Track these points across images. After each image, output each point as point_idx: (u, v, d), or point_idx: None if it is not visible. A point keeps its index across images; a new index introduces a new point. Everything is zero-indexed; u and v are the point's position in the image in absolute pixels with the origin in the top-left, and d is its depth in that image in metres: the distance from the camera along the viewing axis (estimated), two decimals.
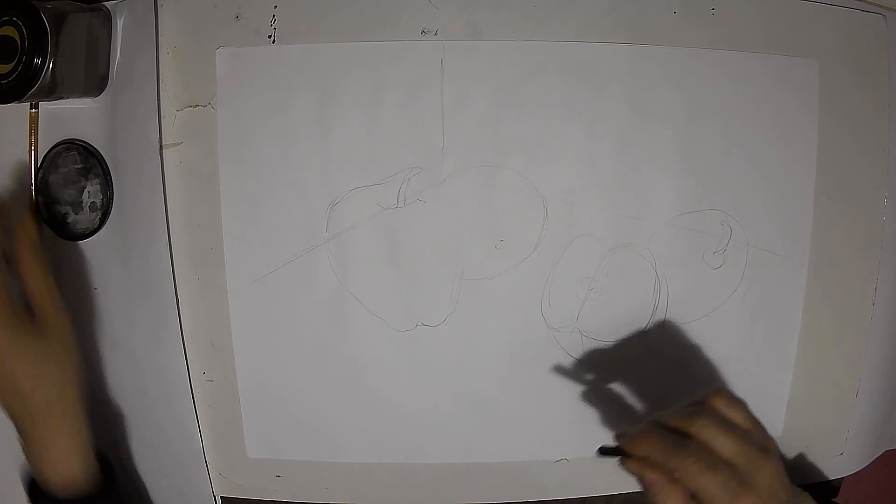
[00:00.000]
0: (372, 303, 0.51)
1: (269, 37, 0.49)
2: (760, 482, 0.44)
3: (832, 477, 0.55)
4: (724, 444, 0.44)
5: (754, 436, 0.46)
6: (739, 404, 0.47)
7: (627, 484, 0.54)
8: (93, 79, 0.50)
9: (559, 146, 0.50)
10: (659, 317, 0.52)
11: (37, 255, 0.47)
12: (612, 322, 0.51)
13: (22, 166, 0.52)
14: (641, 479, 0.45)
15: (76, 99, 0.51)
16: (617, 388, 0.52)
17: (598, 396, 0.52)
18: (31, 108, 0.51)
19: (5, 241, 0.47)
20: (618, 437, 0.47)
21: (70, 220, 0.53)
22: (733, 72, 0.50)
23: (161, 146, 0.50)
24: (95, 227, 0.52)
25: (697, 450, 0.44)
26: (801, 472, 0.55)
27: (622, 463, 0.46)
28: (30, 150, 0.52)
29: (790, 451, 0.54)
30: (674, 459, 0.44)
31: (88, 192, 0.52)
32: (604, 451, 0.47)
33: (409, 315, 0.51)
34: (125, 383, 0.54)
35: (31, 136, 0.52)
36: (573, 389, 0.52)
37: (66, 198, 0.53)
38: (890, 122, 0.52)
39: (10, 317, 0.45)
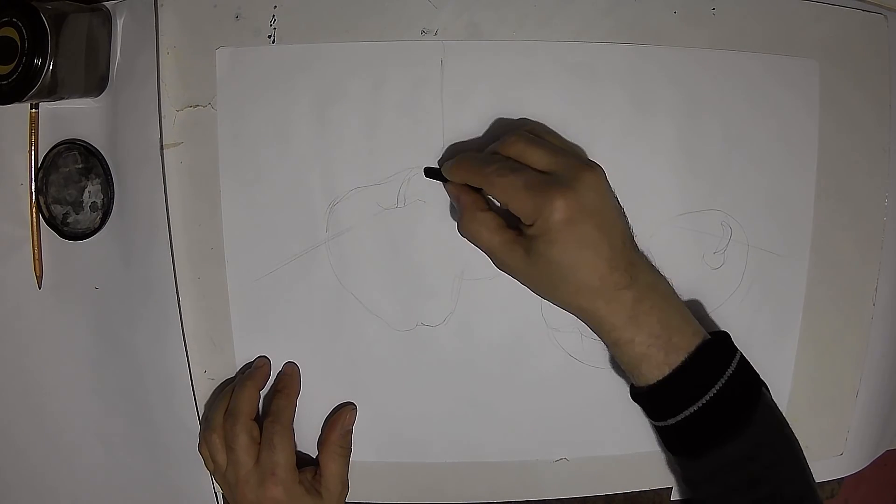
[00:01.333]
0: (372, 303, 0.51)
1: (269, 37, 0.49)
2: (580, 188, 0.40)
3: (832, 477, 0.55)
4: (535, 155, 0.42)
5: (575, 152, 0.44)
6: (552, 130, 0.46)
7: (627, 484, 0.54)
8: (93, 79, 0.50)
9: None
10: None
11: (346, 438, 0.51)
12: None
13: (22, 166, 0.52)
14: (456, 203, 0.44)
15: (76, 99, 0.51)
16: (617, 387, 0.52)
17: (598, 396, 0.52)
18: (31, 109, 0.51)
19: (286, 408, 0.50)
20: (439, 162, 0.46)
21: (71, 220, 0.53)
22: (733, 72, 0.50)
23: (161, 146, 0.50)
24: (96, 226, 0.52)
25: (502, 160, 0.42)
26: None
27: (445, 187, 0.45)
28: (30, 150, 0.52)
29: None
30: (478, 172, 0.42)
31: (89, 192, 0.52)
32: (428, 173, 0.47)
33: (409, 315, 0.51)
34: (126, 382, 0.54)
35: (31, 136, 0.52)
36: (573, 389, 0.52)
37: (67, 198, 0.53)
38: (890, 122, 0.52)
39: (298, 485, 0.48)
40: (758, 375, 0.46)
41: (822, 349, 0.53)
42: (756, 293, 0.52)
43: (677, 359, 0.42)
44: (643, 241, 0.51)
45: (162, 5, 0.49)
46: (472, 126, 0.50)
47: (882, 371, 0.55)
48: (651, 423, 0.46)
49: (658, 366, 0.42)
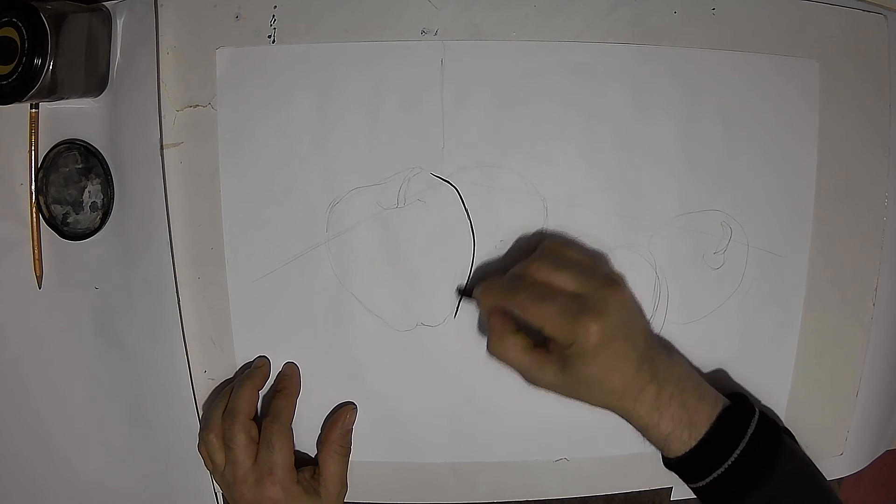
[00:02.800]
0: (372, 302, 0.51)
1: (269, 37, 0.49)
2: (607, 309, 0.43)
3: (832, 477, 0.55)
4: (562, 279, 0.44)
5: (598, 269, 0.46)
6: (574, 243, 0.48)
7: (627, 484, 0.54)
8: (93, 79, 0.50)
9: (559, 146, 0.50)
10: (659, 317, 0.52)
11: (346, 437, 0.52)
12: None
13: (22, 166, 0.52)
14: (487, 323, 0.46)
15: (76, 99, 0.51)
16: None
17: None
18: (31, 109, 0.51)
19: (285, 408, 0.51)
20: (469, 284, 0.49)
21: (71, 219, 0.53)
22: (734, 72, 0.50)
23: (161, 146, 0.50)
24: (96, 226, 0.52)
25: (532, 285, 0.45)
26: None
27: (478, 307, 0.48)
28: (30, 150, 0.52)
29: None
30: (510, 299, 0.45)
31: (89, 191, 0.52)
32: (461, 292, 0.49)
33: (409, 315, 0.51)
34: (126, 382, 0.54)
35: (31, 136, 0.52)
36: None
37: (67, 198, 0.53)
38: (891, 122, 0.52)
39: (296, 485, 0.49)
40: (778, 426, 0.48)
41: (822, 349, 0.53)
42: (756, 293, 0.52)
43: (699, 433, 0.45)
44: (643, 241, 0.51)
45: (162, 5, 0.49)
46: (472, 126, 0.50)
47: (882, 371, 0.55)
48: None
49: (683, 442, 0.45)
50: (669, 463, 0.47)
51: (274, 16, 0.49)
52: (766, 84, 0.51)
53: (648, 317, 0.52)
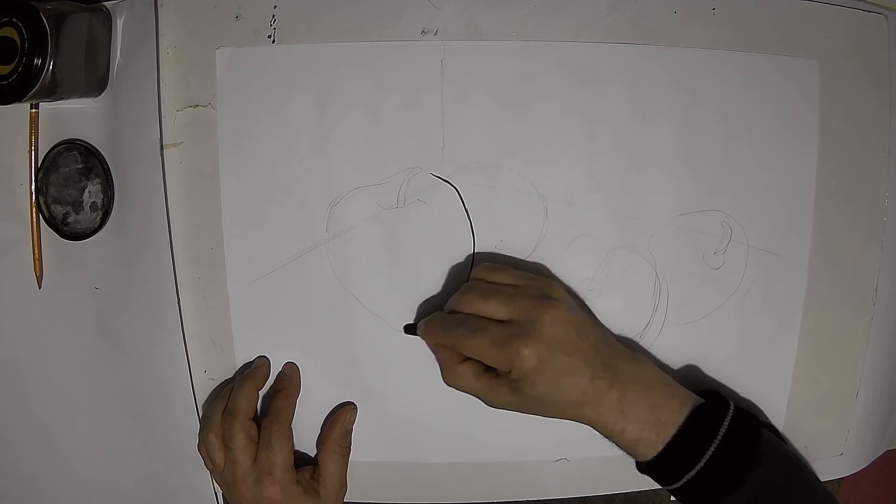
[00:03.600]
0: (371, 302, 0.51)
1: (269, 37, 0.49)
2: (539, 330, 0.43)
3: (832, 477, 0.55)
4: (491, 308, 0.45)
5: (529, 290, 0.46)
6: (504, 265, 0.48)
7: (627, 484, 0.54)
8: (93, 79, 0.50)
9: (559, 146, 0.50)
10: (659, 317, 0.52)
11: (345, 437, 0.52)
12: (612, 322, 0.51)
13: (22, 166, 0.52)
14: (436, 357, 0.47)
15: (76, 99, 0.51)
16: None
17: None
18: (31, 109, 0.51)
19: (285, 408, 0.51)
20: (415, 320, 0.50)
21: (71, 220, 0.53)
22: (734, 72, 0.50)
23: (161, 146, 0.50)
24: (96, 226, 0.52)
25: (464, 319, 0.45)
26: None
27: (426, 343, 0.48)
28: (30, 150, 0.52)
29: None
30: (447, 337, 0.46)
31: (89, 191, 0.52)
32: (408, 331, 0.50)
33: (409, 315, 0.51)
34: (126, 382, 0.54)
35: (31, 136, 0.52)
36: None
37: (67, 198, 0.53)
38: (891, 122, 0.52)
39: (295, 485, 0.49)
40: (756, 422, 0.47)
41: (822, 349, 0.53)
42: (756, 293, 0.52)
43: (668, 434, 0.45)
44: (643, 241, 0.51)
45: (162, 5, 0.49)
46: (472, 126, 0.50)
47: (882, 371, 0.55)
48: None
49: (652, 444, 0.45)
50: (641, 467, 0.47)
51: (274, 16, 0.49)
52: (766, 84, 0.51)
53: (648, 316, 0.52)
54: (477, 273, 0.48)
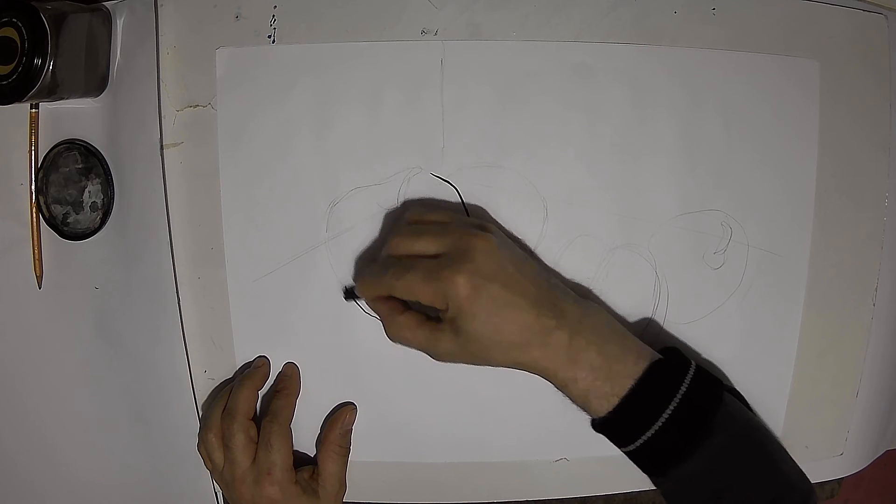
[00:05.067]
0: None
1: (269, 37, 0.49)
2: (471, 257, 0.41)
3: (832, 477, 0.55)
4: (421, 245, 0.43)
5: (459, 223, 0.45)
6: (434, 206, 0.47)
7: (627, 484, 0.54)
8: (93, 79, 0.50)
9: (559, 146, 0.50)
10: (659, 317, 0.52)
11: (344, 438, 0.51)
12: None
13: (22, 166, 0.52)
14: (377, 315, 0.46)
15: (76, 99, 0.51)
16: None
17: None
18: (31, 109, 0.51)
19: (285, 408, 0.51)
20: (354, 279, 0.48)
21: (71, 220, 0.53)
22: (734, 72, 0.50)
23: (161, 146, 0.50)
24: (96, 226, 0.52)
25: (395, 261, 0.43)
26: None
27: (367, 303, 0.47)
28: (30, 150, 0.52)
29: (790, 451, 0.54)
30: (381, 286, 0.44)
31: (89, 191, 0.52)
32: (347, 296, 0.49)
33: None
34: (126, 382, 0.54)
35: (31, 136, 0.52)
36: None
37: (67, 198, 0.53)
38: (891, 122, 0.52)
39: (294, 485, 0.49)
40: (718, 383, 0.45)
41: (822, 349, 0.53)
42: (756, 293, 0.52)
43: (623, 387, 0.42)
44: (643, 241, 0.51)
45: (162, 5, 0.49)
46: (472, 126, 0.50)
47: (882, 371, 0.55)
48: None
49: (606, 397, 0.43)
50: (595, 425, 0.45)
51: (274, 16, 0.49)
52: (766, 84, 0.51)
53: (648, 316, 0.52)
54: (406, 216, 0.47)
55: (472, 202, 0.50)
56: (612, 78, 0.50)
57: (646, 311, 0.52)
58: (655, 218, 0.51)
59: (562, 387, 0.44)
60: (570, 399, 0.44)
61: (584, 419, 0.46)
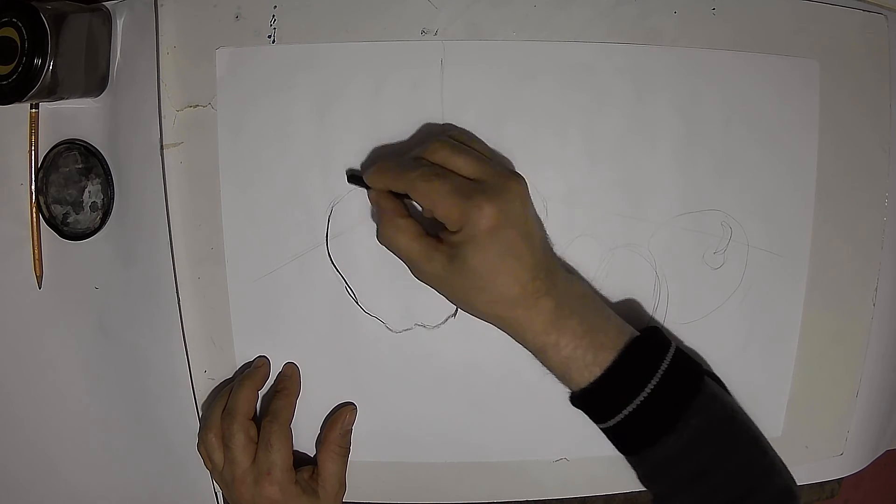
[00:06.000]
0: (371, 303, 0.51)
1: (269, 37, 0.49)
2: (506, 196, 0.40)
3: (832, 477, 0.55)
4: (460, 161, 0.41)
5: (497, 161, 0.43)
6: (477, 137, 0.45)
7: (627, 484, 0.54)
8: (93, 79, 0.50)
9: (559, 146, 0.50)
10: (659, 317, 0.52)
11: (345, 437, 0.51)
12: None
13: (22, 166, 0.52)
14: (376, 209, 0.44)
15: (76, 99, 0.51)
16: None
17: None
18: (31, 109, 0.51)
19: (285, 408, 0.50)
20: (362, 166, 0.45)
21: (71, 219, 0.53)
22: (734, 72, 0.50)
23: (161, 146, 0.50)
24: (96, 226, 0.52)
25: (427, 165, 0.41)
26: (801, 472, 0.55)
27: (367, 194, 0.44)
28: (30, 150, 0.52)
29: (790, 451, 0.54)
30: (400, 177, 0.42)
31: (89, 191, 0.52)
32: (351, 179, 0.47)
33: (407, 316, 0.51)
34: (126, 382, 0.54)
35: (31, 136, 0.52)
36: None
37: (67, 198, 0.53)
38: (891, 122, 0.52)
39: (294, 485, 0.49)
40: (697, 366, 0.45)
41: (822, 349, 0.53)
42: (756, 293, 0.52)
43: (606, 358, 0.42)
44: (643, 241, 0.51)
45: (162, 5, 0.49)
46: (472, 126, 0.50)
47: (882, 371, 0.55)
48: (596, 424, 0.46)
49: (587, 367, 0.42)
50: (573, 397, 0.44)
51: (274, 16, 0.49)
52: (766, 84, 0.51)
53: (648, 316, 0.52)
54: (453, 132, 0.45)
55: None
56: (612, 78, 0.50)
57: (646, 311, 0.52)
58: (655, 218, 0.51)
59: (539, 351, 0.43)
60: (549, 368, 0.43)
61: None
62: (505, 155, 0.50)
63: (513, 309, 0.42)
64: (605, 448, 0.46)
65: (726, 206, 0.51)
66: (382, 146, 0.49)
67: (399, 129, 0.50)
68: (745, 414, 0.47)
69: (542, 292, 0.42)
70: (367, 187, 0.46)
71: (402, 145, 0.50)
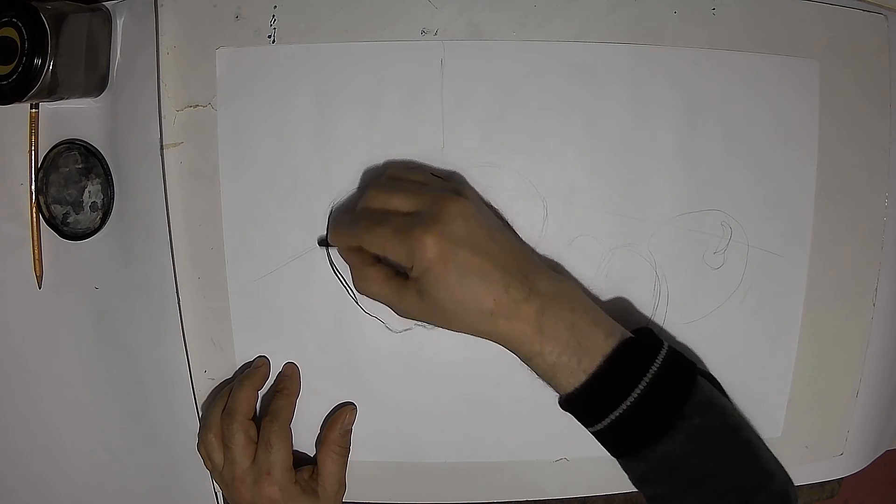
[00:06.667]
0: (371, 303, 0.51)
1: (269, 37, 0.49)
2: (443, 219, 0.40)
3: (832, 477, 0.55)
4: (397, 201, 0.42)
5: (438, 186, 0.44)
6: (418, 166, 0.46)
7: (627, 484, 0.54)
8: (93, 79, 0.50)
9: (559, 146, 0.50)
10: (659, 317, 0.52)
11: (344, 437, 0.51)
12: None
13: (22, 166, 0.52)
14: (348, 265, 0.45)
15: (76, 99, 0.51)
16: None
17: None
18: (31, 109, 0.51)
19: (284, 408, 0.50)
20: (327, 228, 0.47)
21: (71, 220, 0.53)
22: (733, 72, 0.50)
23: (161, 146, 0.50)
24: (96, 226, 0.52)
25: (368, 214, 0.43)
26: (801, 473, 0.55)
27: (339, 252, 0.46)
28: (30, 150, 0.52)
29: (790, 451, 0.54)
30: (352, 234, 0.43)
31: (89, 191, 0.52)
32: (322, 244, 0.49)
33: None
34: (126, 382, 0.54)
35: (31, 136, 0.52)
36: None
37: (67, 198, 0.53)
38: (891, 122, 0.52)
39: (293, 485, 0.49)
40: (691, 368, 0.44)
41: (822, 349, 0.53)
42: (756, 293, 0.52)
43: (592, 363, 0.42)
44: (643, 241, 0.51)
45: (162, 5, 0.49)
46: (472, 126, 0.50)
47: (882, 371, 0.55)
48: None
49: (573, 373, 0.42)
50: (562, 402, 0.44)
51: (274, 16, 0.49)
52: (766, 84, 0.51)
53: (649, 315, 0.52)
54: (388, 172, 0.47)
55: None
56: (612, 78, 0.50)
57: (646, 311, 0.52)
58: (655, 218, 0.51)
59: (527, 360, 0.43)
60: (538, 374, 0.43)
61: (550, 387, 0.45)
62: (504, 154, 0.50)
63: (494, 322, 0.42)
64: (605, 448, 0.46)
65: (726, 206, 0.51)
66: (373, 168, 0.50)
67: (399, 129, 0.50)
68: (742, 417, 0.46)
69: (520, 298, 0.41)
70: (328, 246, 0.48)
71: (401, 148, 0.50)
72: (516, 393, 0.52)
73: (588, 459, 0.54)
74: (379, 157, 0.50)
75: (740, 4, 0.50)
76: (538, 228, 0.51)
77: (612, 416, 0.42)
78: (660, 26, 0.50)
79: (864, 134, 0.52)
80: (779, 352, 0.53)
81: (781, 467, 0.47)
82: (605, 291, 0.51)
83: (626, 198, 0.51)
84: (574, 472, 0.54)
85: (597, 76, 0.50)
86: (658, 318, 0.52)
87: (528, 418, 0.53)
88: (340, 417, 0.51)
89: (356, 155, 0.50)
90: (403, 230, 0.41)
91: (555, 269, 0.47)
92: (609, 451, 0.45)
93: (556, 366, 0.42)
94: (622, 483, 0.54)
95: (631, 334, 0.44)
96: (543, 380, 0.43)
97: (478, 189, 0.50)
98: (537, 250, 0.51)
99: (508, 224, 0.50)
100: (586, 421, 0.44)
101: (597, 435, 0.44)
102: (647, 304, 0.52)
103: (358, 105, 0.50)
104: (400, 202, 0.43)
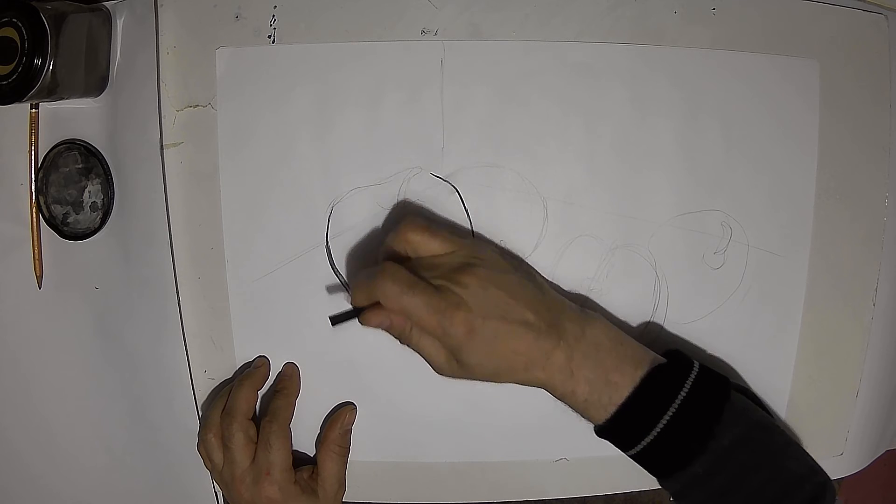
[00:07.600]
0: None
1: (269, 37, 0.49)
2: (466, 296, 0.42)
3: (832, 477, 0.55)
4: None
5: (454, 257, 0.44)
6: (429, 233, 0.45)
7: (627, 484, 0.54)
8: (93, 79, 0.50)
9: (559, 146, 0.50)
10: (659, 317, 0.52)
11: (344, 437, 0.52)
12: (612, 322, 0.51)
13: (22, 166, 0.52)
14: (390, 329, 0.44)
15: (76, 99, 0.51)
16: None
17: None
18: (31, 109, 0.51)
19: (284, 408, 0.51)
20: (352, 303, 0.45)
21: (71, 219, 0.53)
22: (734, 72, 0.50)
23: (161, 146, 0.50)
24: (96, 226, 0.52)
25: (391, 278, 0.42)
26: None
27: (363, 322, 0.44)
28: (30, 150, 0.52)
29: None
30: (374, 294, 0.42)
31: (89, 191, 0.52)
32: (335, 320, 0.45)
33: None
34: (126, 382, 0.54)
35: (31, 136, 0.52)
36: None
37: (67, 198, 0.53)
38: (891, 122, 0.52)
39: (293, 485, 0.49)
40: (724, 384, 0.45)
41: (822, 349, 0.53)
42: (756, 293, 0.52)
43: (621, 396, 0.43)
44: (643, 241, 0.51)
45: (162, 5, 0.49)
46: (472, 126, 0.50)
47: (882, 371, 0.55)
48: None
49: (603, 407, 0.44)
50: (597, 431, 0.46)
51: (274, 16, 0.49)
52: (766, 84, 0.51)
53: (648, 316, 0.52)
54: (407, 236, 0.45)
55: (472, 202, 0.50)
56: (611, 78, 0.50)
57: (646, 311, 0.52)
58: (655, 218, 0.51)
59: (561, 399, 0.45)
60: (574, 410, 0.45)
61: (584, 419, 0.46)
62: (504, 155, 0.50)
63: (531, 373, 0.44)
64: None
65: (726, 206, 0.51)
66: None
67: (399, 129, 0.50)
68: (773, 422, 0.47)
69: (550, 347, 0.43)
70: (355, 316, 0.45)
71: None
72: (516, 393, 0.52)
73: (588, 459, 0.54)
74: (379, 157, 0.50)
75: (741, 4, 0.50)
76: (538, 228, 0.51)
77: (644, 443, 0.43)
78: (660, 26, 0.50)
79: (864, 134, 0.52)
80: (779, 352, 0.53)
81: (817, 470, 0.46)
82: (605, 291, 0.51)
83: (626, 198, 0.51)
84: (574, 472, 0.54)
85: (597, 76, 0.50)
86: (658, 318, 0.52)
87: (528, 418, 0.53)
88: (340, 417, 0.51)
89: (356, 155, 0.50)
90: (435, 307, 0.42)
91: (575, 300, 0.47)
92: (647, 472, 0.46)
93: (587, 402, 0.44)
94: (622, 483, 0.54)
95: (662, 359, 0.45)
96: (579, 413, 0.45)
97: (478, 189, 0.50)
98: (537, 251, 0.51)
99: (526, 265, 0.50)
100: (622, 447, 0.45)
101: (634, 458, 0.45)
102: (647, 304, 0.52)
103: (358, 105, 0.50)
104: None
